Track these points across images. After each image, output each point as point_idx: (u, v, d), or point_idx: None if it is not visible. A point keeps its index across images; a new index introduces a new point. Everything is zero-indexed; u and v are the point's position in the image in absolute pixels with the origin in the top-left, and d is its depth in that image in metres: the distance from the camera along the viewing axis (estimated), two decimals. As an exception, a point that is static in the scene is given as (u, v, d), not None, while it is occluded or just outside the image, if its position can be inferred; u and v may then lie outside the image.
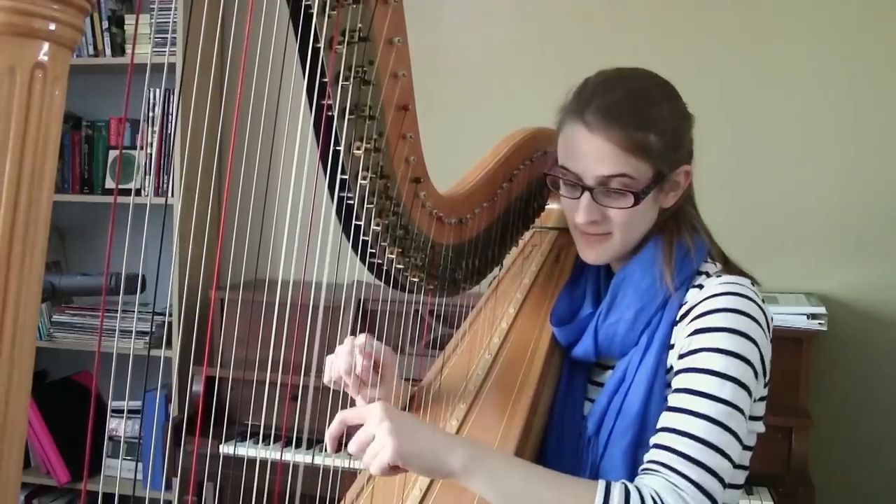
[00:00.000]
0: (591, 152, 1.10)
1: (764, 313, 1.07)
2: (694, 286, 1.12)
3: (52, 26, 0.59)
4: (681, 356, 1.06)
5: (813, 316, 2.15)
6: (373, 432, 0.92)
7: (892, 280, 2.42)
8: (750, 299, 1.07)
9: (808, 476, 2.05)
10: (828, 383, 2.40)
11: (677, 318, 1.10)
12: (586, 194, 1.12)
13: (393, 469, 0.93)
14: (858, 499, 2.43)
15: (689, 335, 1.06)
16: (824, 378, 2.38)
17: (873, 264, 2.43)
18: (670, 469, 0.97)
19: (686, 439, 0.99)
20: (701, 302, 1.08)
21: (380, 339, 1.20)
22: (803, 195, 2.47)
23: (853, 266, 2.44)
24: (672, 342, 1.10)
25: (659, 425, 1.03)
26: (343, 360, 1.16)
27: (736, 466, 1.11)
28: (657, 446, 1.01)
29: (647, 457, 1.01)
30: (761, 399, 1.11)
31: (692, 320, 1.08)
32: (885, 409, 2.43)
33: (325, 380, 1.18)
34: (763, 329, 1.06)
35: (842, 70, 2.44)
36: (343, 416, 0.97)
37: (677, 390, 1.04)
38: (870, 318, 2.43)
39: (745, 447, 1.12)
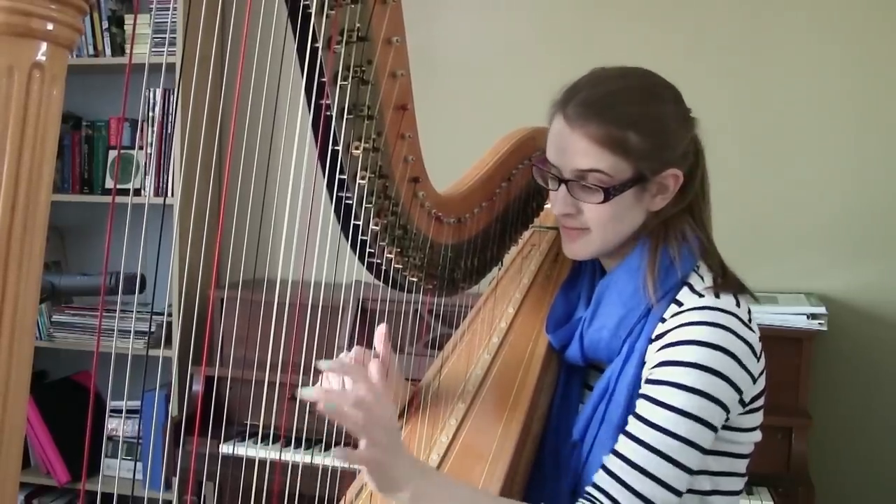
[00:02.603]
0: (569, 145, 1.10)
1: (745, 341, 1.05)
2: (675, 301, 1.10)
3: (50, 26, 0.59)
4: (646, 381, 1.06)
5: (813, 316, 2.15)
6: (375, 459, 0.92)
7: (893, 280, 2.42)
8: (727, 329, 1.04)
9: (807, 476, 2.05)
10: (828, 383, 2.40)
11: (653, 336, 1.09)
12: (562, 186, 1.12)
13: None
14: (858, 499, 2.43)
15: (656, 365, 1.05)
16: (824, 378, 2.38)
17: (873, 264, 2.43)
18: (609, 498, 1.00)
19: (633, 471, 1.00)
20: (674, 329, 1.06)
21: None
22: (804, 195, 2.47)
23: (853, 266, 2.44)
24: (646, 360, 1.09)
25: (614, 447, 1.04)
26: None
27: (733, 474, 1.12)
28: (605, 469, 1.02)
29: (594, 477, 1.03)
30: (755, 410, 1.11)
31: (661, 348, 1.06)
32: (885, 409, 2.42)
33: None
34: (739, 360, 1.03)
35: (844, 69, 2.44)
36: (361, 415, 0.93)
37: (636, 415, 1.04)
38: (870, 318, 2.43)
39: (741, 456, 1.12)
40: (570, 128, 1.09)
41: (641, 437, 1.02)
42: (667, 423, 1.01)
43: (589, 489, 1.02)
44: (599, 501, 1.00)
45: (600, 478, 1.02)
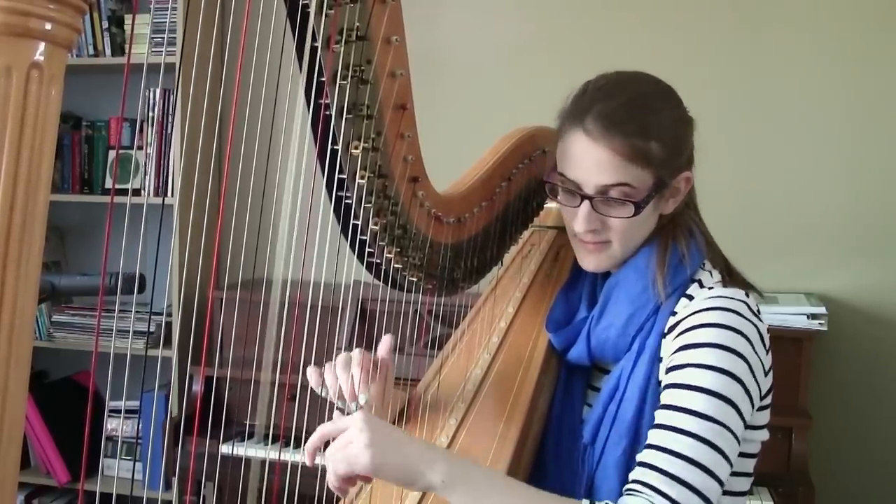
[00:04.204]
0: (592, 160, 1.08)
1: (756, 328, 1.05)
2: (685, 295, 1.10)
3: (49, 26, 0.59)
4: (668, 370, 1.05)
5: (813, 316, 2.15)
6: (350, 441, 0.92)
7: (893, 280, 2.42)
8: (739, 314, 1.04)
9: (808, 476, 2.05)
10: (828, 383, 2.40)
11: (665, 330, 1.09)
12: (585, 203, 1.10)
13: (348, 481, 0.94)
14: (858, 498, 2.43)
15: (676, 351, 1.05)
16: (824, 378, 2.38)
17: (874, 264, 2.43)
18: (653, 489, 0.95)
19: (671, 457, 0.97)
20: (688, 316, 1.06)
21: (379, 339, 1.20)
22: (804, 195, 2.47)
23: (853, 266, 2.44)
24: (661, 355, 1.09)
25: (647, 441, 1.02)
26: (343, 378, 1.13)
27: (739, 474, 1.10)
28: (642, 464, 0.99)
29: (632, 475, 1.00)
30: (763, 408, 1.10)
31: (678, 335, 1.06)
32: (885, 409, 2.42)
33: (324, 393, 1.17)
34: (752, 344, 1.03)
35: (843, 69, 2.44)
36: (323, 430, 0.97)
37: (664, 406, 1.02)
38: (870, 318, 2.43)
39: (748, 455, 1.11)
40: (594, 142, 1.07)
41: (674, 424, 0.99)
42: (696, 405, 0.99)
43: (635, 487, 0.97)
44: (642, 494, 0.96)
45: (639, 472, 0.98)
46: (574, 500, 0.96)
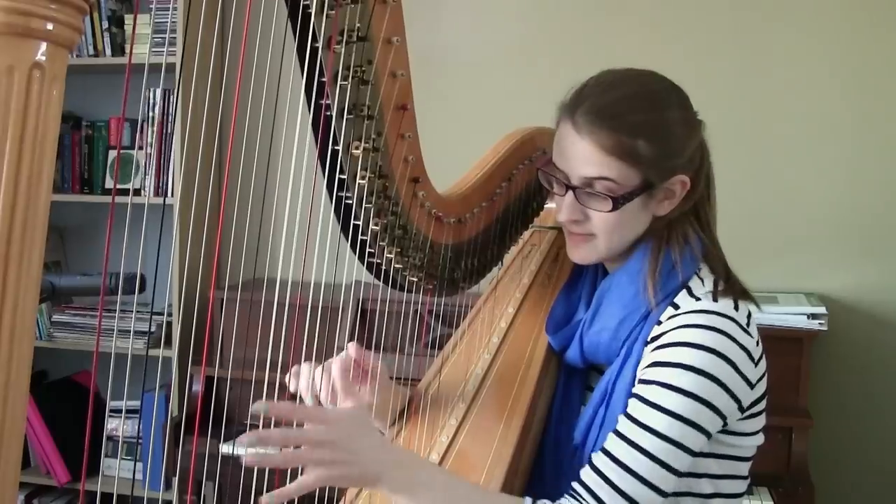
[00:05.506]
0: (577, 152, 1.09)
1: (741, 346, 1.03)
2: (672, 304, 1.09)
3: (50, 26, 0.59)
4: (639, 381, 1.05)
5: (813, 316, 2.15)
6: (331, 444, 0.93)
7: (893, 280, 2.42)
8: (722, 333, 1.03)
9: (808, 476, 2.05)
10: (828, 383, 2.40)
11: (648, 339, 1.08)
12: (570, 193, 1.11)
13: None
14: (858, 499, 2.43)
15: (649, 364, 1.05)
16: (824, 378, 2.38)
17: (874, 264, 2.43)
18: (593, 496, 0.99)
19: (619, 469, 1.00)
20: (670, 331, 1.05)
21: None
22: (803, 195, 2.47)
23: (853, 266, 2.44)
24: (640, 362, 1.08)
25: (603, 444, 1.03)
26: (324, 384, 1.16)
27: (734, 477, 1.11)
28: (591, 465, 1.02)
29: (581, 472, 1.02)
30: (754, 415, 1.09)
31: (656, 348, 1.05)
32: (885, 409, 2.43)
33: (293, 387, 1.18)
34: (734, 364, 1.02)
35: (843, 69, 2.44)
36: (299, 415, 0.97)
37: (626, 415, 1.03)
38: (870, 318, 2.43)
39: (742, 458, 1.12)
40: (579, 135, 1.08)
41: (629, 437, 1.01)
42: (657, 425, 1.00)
43: (574, 485, 1.02)
44: (582, 498, 1.00)
45: (586, 474, 1.02)
46: (517, 499, 1.00)
